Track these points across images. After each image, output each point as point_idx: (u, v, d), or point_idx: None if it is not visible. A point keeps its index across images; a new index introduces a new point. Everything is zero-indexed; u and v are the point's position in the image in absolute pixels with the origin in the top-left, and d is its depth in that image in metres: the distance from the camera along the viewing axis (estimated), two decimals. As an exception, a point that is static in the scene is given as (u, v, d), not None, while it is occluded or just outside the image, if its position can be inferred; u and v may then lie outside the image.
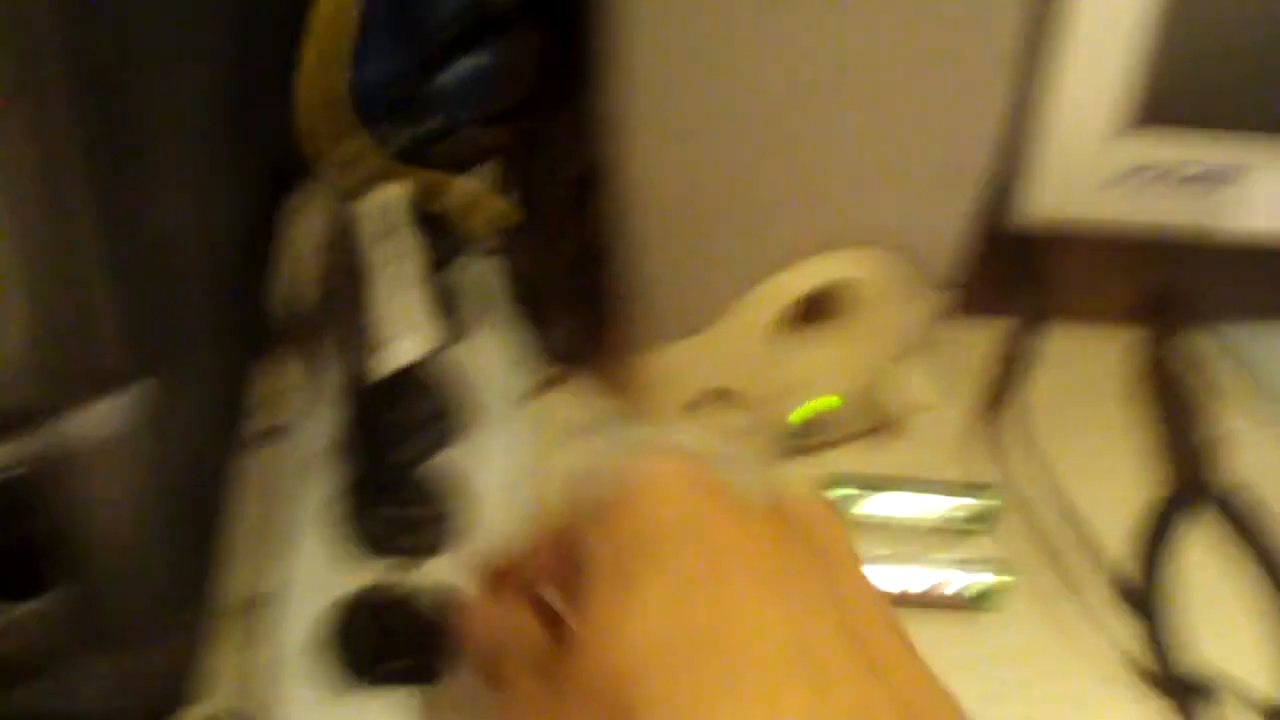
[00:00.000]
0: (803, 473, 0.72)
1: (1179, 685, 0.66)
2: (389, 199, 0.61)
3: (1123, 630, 0.69)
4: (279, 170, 0.75)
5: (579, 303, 0.75)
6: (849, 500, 0.71)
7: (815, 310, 0.67)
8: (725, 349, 0.66)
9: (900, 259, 0.65)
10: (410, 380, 0.61)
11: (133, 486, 0.53)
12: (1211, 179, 0.66)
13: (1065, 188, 0.65)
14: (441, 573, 0.62)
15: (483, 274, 0.72)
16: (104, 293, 0.48)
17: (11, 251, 0.45)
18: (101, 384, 0.51)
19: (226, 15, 0.61)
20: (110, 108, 0.47)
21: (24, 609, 0.54)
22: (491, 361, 0.69)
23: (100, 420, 0.51)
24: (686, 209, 0.61)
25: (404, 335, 0.59)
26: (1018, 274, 0.79)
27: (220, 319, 0.62)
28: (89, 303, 0.48)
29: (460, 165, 0.69)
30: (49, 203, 0.45)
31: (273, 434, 0.70)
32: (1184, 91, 0.63)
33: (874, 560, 0.68)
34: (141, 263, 0.50)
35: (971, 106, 0.60)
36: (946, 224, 0.65)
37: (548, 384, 0.74)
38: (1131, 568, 0.70)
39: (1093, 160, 0.64)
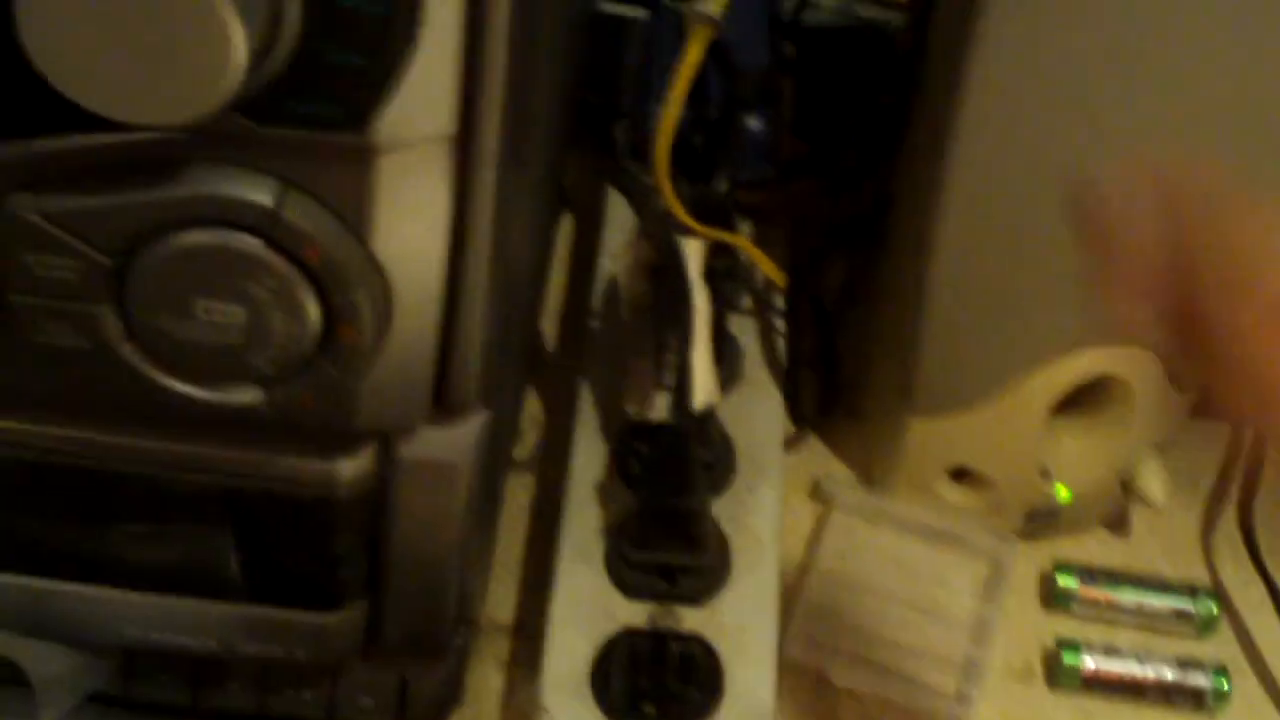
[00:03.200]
0: (1030, 556, 0.73)
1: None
2: (692, 251, 0.63)
3: (1336, 746, 0.70)
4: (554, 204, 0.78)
5: (837, 364, 0.76)
6: (1073, 589, 0.72)
7: (1067, 401, 0.69)
8: (986, 430, 0.68)
9: (1165, 359, 0.66)
10: (695, 427, 0.62)
11: (450, 512, 0.55)
12: None
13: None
14: (699, 623, 0.63)
15: (746, 330, 0.74)
16: (478, 327, 0.50)
17: (419, 283, 0.47)
18: (447, 413, 0.53)
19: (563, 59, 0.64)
20: (519, 148, 0.49)
21: (324, 620, 0.56)
22: (752, 415, 0.71)
23: (439, 446, 0.53)
24: (980, 287, 0.63)
25: (702, 382, 0.61)
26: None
27: (522, 347, 0.64)
28: (465, 336, 0.50)
29: (729, 222, 0.71)
30: (458, 235, 0.47)
31: (542, 457, 0.72)
32: None
33: (1095, 651, 0.69)
34: (502, 292, 0.52)
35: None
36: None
37: (800, 441, 0.75)
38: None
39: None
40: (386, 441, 0.53)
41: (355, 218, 0.46)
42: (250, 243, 0.45)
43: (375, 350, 0.48)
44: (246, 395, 0.49)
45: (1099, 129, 0.57)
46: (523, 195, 0.57)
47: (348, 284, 0.46)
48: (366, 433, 0.52)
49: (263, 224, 0.45)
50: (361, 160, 0.45)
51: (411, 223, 0.46)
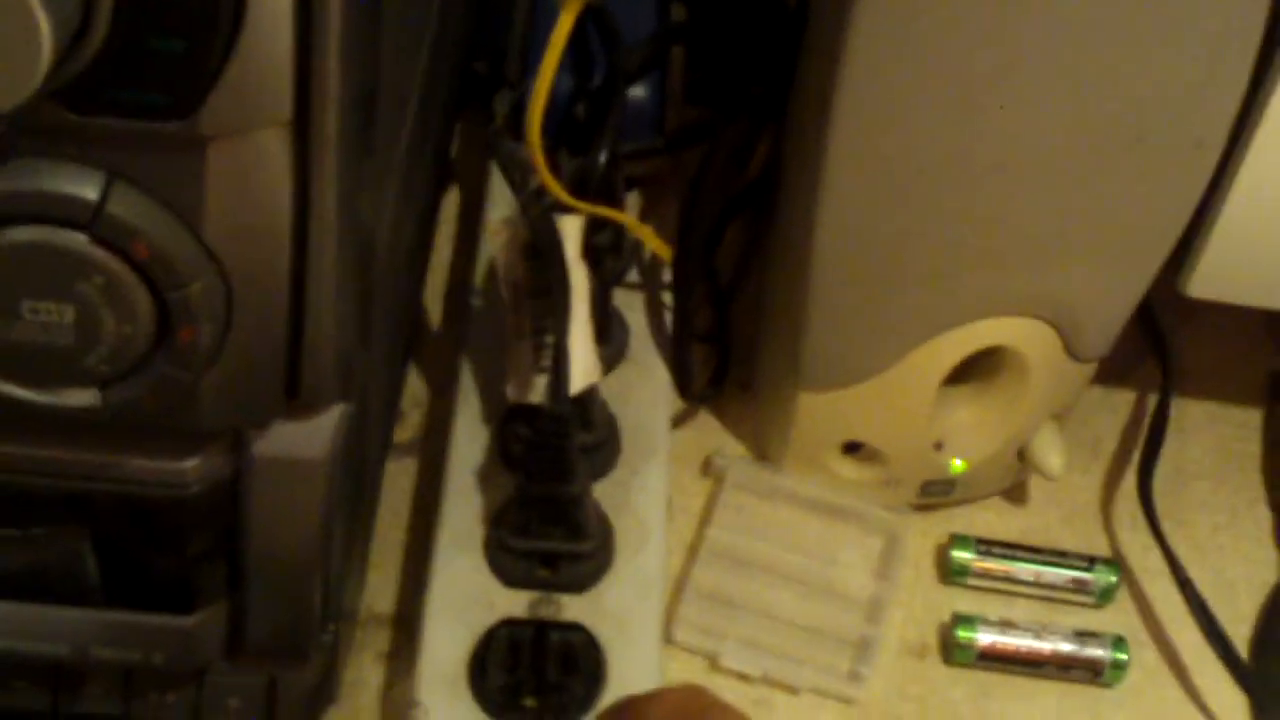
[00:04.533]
0: (925, 529, 0.72)
1: (1290, 775, 0.66)
2: (569, 229, 0.61)
3: (1234, 713, 0.69)
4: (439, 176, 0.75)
5: (730, 338, 0.75)
6: (969, 562, 0.70)
7: (961, 372, 0.67)
8: (876, 404, 0.66)
9: (1061, 330, 0.65)
10: (576, 410, 0.60)
11: (310, 508, 0.53)
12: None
13: (1234, 270, 0.65)
14: (581, 611, 0.62)
15: (634, 305, 0.72)
16: (329, 319, 0.48)
17: (261, 275, 0.45)
18: (302, 407, 0.51)
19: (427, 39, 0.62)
20: (364, 130, 0.47)
21: (183, 623, 0.54)
22: (638, 394, 0.69)
23: (295, 442, 0.51)
24: (866, 263, 0.61)
25: (581, 364, 0.59)
26: (1147, 345, 0.79)
27: (394, 327, 0.62)
28: (315, 329, 0.48)
29: (614, 196, 0.69)
30: (300, 225, 0.45)
31: (422, 443, 0.70)
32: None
33: (990, 625, 0.68)
34: (358, 279, 0.50)
35: (1168, 193, 0.60)
36: (1117, 301, 0.65)
37: (691, 417, 0.73)
38: (1250, 650, 0.70)
39: (1268, 247, 0.64)
40: (239, 438, 0.51)
41: (187, 210, 0.44)
42: (75, 239, 0.43)
43: (217, 346, 0.46)
44: (83, 397, 0.47)
45: (979, 99, 0.56)
46: (389, 176, 0.55)
47: (181, 279, 0.44)
48: (216, 430, 0.50)
49: (86, 219, 0.42)
50: (191, 149, 0.43)
51: (248, 213, 0.44)
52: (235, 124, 0.42)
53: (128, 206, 0.43)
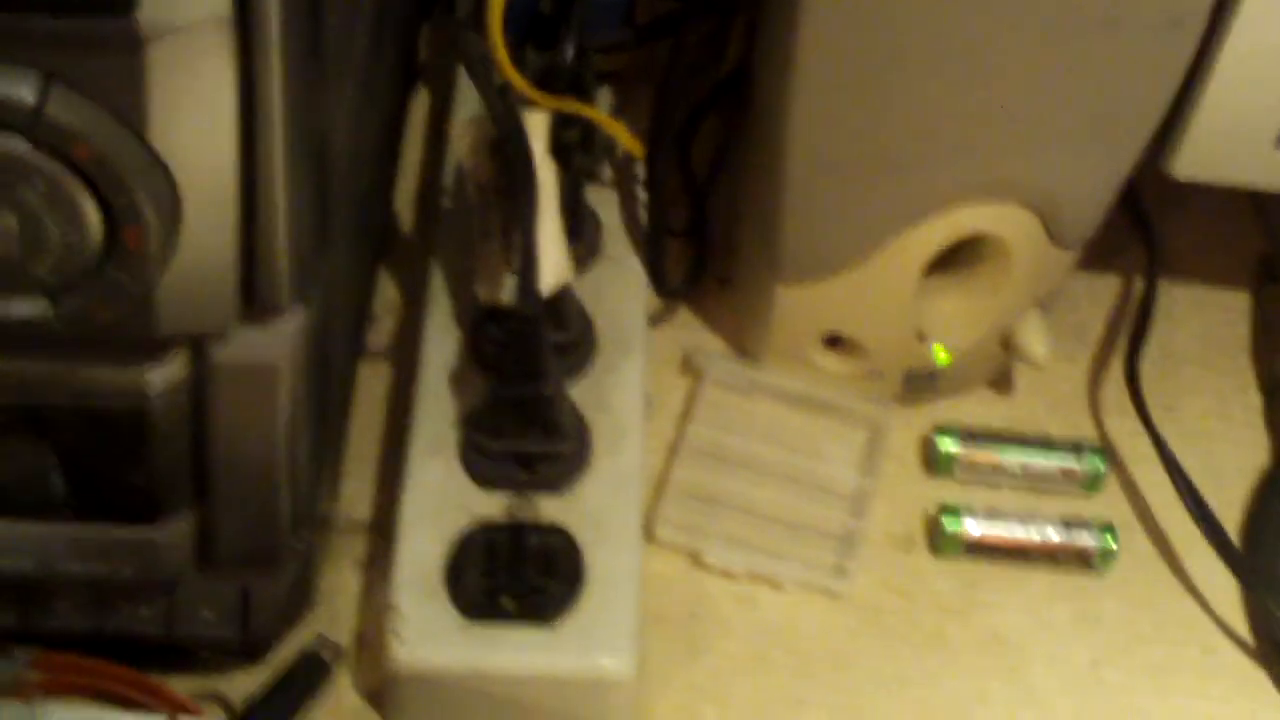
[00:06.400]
0: (909, 421, 0.71)
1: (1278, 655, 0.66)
2: (535, 125, 0.59)
3: (1225, 598, 0.68)
4: (405, 78, 0.74)
5: (706, 233, 0.73)
6: (954, 453, 0.69)
7: (942, 261, 0.66)
8: (856, 295, 0.65)
9: (1043, 216, 0.64)
10: (547, 309, 0.59)
11: (272, 414, 0.52)
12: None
13: (1219, 149, 0.64)
14: (558, 511, 0.61)
15: (608, 202, 0.71)
16: (281, 220, 0.47)
17: (208, 177, 0.44)
18: (260, 313, 0.50)
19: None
20: (312, 28, 0.46)
21: (150, 534, 0.54)
22: (612, 292, 0.68)
23: (254, 347, 0.50)
24: (840, 151, 0.60)
25: (551, 263, 0.58)
26: (1133, 230, 0.78)
27: (359, 231, 0.61)
28: (268, 231, 0.47)
29: (583, 91, 0.67)
30: (247, 125, 0.44)
31: (395, 348, 0.69)
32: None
33: (977, 515, 0.67)
34: (310, 183, 0.49)
35: (1146, 75, 0.59)
36: (1098, 185, 0.64)
37: (669, 314, 0.72)
38: (1238, 534, 0.70)
39: (1253, 125, 0.63)
40: (199, 346, 0.50)
41: (129, 111, 0.43)
42: (14, 143, 0.42)
43: (167, 252, 0.45)
44: (33, 307, 0.46)
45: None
46: (344, 76, 0.54)
47: (125, 183, 0.43)
48: (173, 338, 0.49)
49: (25, 122, 0.41)
50: (130, 48, 0.42)
51: (193, 114, 0.43)
52: (173, 21, 0.41)
53: (67, 109, 0.42)
